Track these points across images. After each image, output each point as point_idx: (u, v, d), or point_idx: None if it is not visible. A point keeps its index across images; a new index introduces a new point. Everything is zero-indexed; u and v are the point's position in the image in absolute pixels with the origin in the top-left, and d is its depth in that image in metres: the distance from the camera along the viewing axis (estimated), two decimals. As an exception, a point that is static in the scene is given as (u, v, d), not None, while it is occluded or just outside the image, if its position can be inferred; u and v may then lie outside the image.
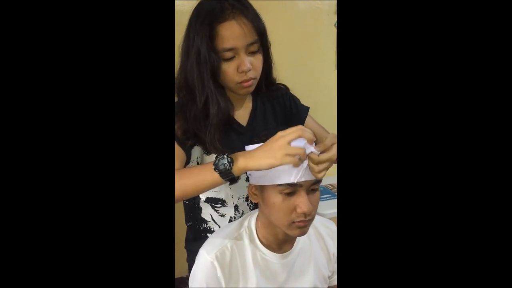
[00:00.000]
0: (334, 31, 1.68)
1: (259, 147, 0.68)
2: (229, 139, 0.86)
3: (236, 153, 0.69)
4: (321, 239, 0.88)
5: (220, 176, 0.68)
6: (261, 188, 0.75)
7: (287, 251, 0.82)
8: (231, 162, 0.67)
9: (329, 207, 1.51)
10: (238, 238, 0.81)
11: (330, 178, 1.72)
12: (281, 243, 0.81)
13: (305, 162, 0.70)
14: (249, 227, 0.83)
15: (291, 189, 0.71)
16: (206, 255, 0.78)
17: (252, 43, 0.79)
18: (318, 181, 0.74)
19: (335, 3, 1.65)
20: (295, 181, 0.70)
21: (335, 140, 0.69)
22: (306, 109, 1.03)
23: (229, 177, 0.69)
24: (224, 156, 0.68)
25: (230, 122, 0.87)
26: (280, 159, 0.64)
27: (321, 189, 1.69)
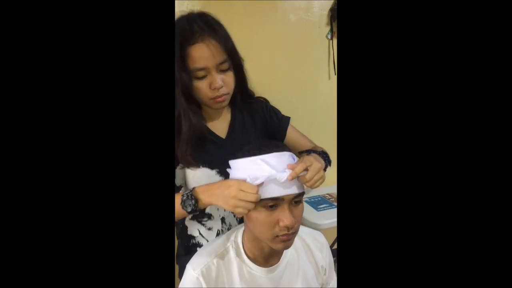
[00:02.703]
0: (326, 42, 1.70)
1: (218, 184, 0.77)
2: (207, 152, 0.89)
3: (198, 189, 0.79)
4: (309, 251, 0.88)
5: (189, 213, 0.80)
6: None
7: (274, 264, 0.82)
8: (196, 202, 0.78)
9: (327, 217, 1.51)
10: (224, 253, 0.82)
11: (328, 187, 1.72)
12: (267, 257, 0.81)
13: (284, 176, 0.71)
14: (235, 241, 0.83)
15: (273, 203, 0.72)
16: (191, 271, 0.79)
17: (222, 62, 0.83)
18: (301, 193, 0.75)
19: (325, 15, 1.66)
20: (276, 195, 0.71)
21: (306, 165, 0.74)
22: (287, 119, 1.05)
23: (197, 212, 0.82)
24: (189, 196, 0.78)
25: (206, 136, 0.91)
26: (231, 207, 0.73)
27: (319, 199, 1.69)
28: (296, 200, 0.74)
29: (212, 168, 0.91)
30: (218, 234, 0.96)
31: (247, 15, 1.55)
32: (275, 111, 1.04)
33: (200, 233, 0.97)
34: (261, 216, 0.73)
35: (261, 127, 1.01)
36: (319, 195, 1.70)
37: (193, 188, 0.79)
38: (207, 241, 0.97)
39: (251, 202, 0.70)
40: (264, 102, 1.04)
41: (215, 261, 0.80)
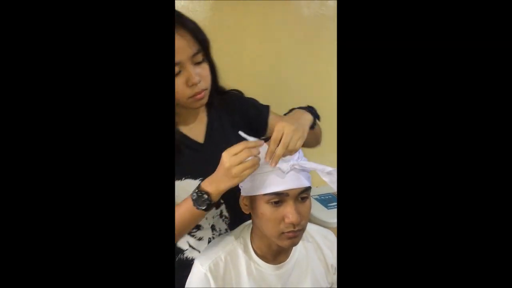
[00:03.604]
0: (340, 37, 1.67)
1: (217, 169, 0.71)
2: (185, 158, 0.83)
3: (204, 184, 0.73)
4: (319, 249, 0.87)
5: (206, 210, 0.73)
6: (251, 199, 0.75)
7: (282, 262, 0.81)
8: (208, 196, 0.72)
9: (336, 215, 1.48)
10: (232, 249, 0.81)
11: (339, 185, 1.70)
12: (275, 254, 0.80)
13: (287, 168, 0.70)
14: (243, 237, 0.82)
15: (278, 198, 0.71)
16: (199, 266, 0.78)
17: (196, 53, 0.77)
18: (307, 189, 0.73)
19: (340, 8, 1.63)
20: (280, 190, 0.70)
21: (282, 131, 0.70)
22: (267, 107, 0.98)
23: (213, 207, 0.74)
24: (200, 194, 0.72)
25: (182, 141, 0.85)
26: (237, 179, 0.69)
27: (329, 196, 1.67)
28: (302, 196, 0.73)
29: (195, 178, 0.83)
30: (209, 242, 0.89)
31: (260, 8, 1.53)
32: (252, 102, 0.96)
33: (190, 245, 0.90)
34: (266, 212, 0.72)
35: (240, 123, 0.92)
36: (329, 193, 1.68)
37: (199, 186, 0.74)
38: (199, 252, 0.89)
39: (254, 160, 0.68)
40: (238, 94, 0.96)
41: (223, 257, 0.79)
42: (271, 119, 0.96)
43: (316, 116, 0.88)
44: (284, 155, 0.70)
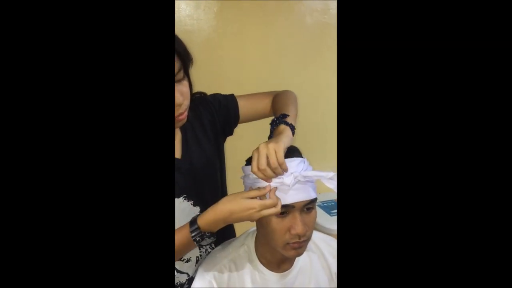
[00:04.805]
0: (342, 45, 1.68)
1: (231, 209, 0.70)
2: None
3: (203, 223, 0.71)
4: (322, 257, 0.87)
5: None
6: None
7: (286, 270, 0.81)
8: (211, 234, 0.72)
9: (340, 222, 1.48)
10: (237, 256, 0.81)
11: (342, 192, 1.70)
12: (279, 262, 0.80)
13: (291, 181, 0.70)
14: (248, 245, 0.83)
15: (283, 210, 0.71)
16: (204, 274, 0.78)
17: (177, 72, 0.70)
18: (313, 200, 0.74)
19: (342, 16, 1.65)
20: (286, 203, 0.70)
21: (257, 155, 0.69)
22: (231, 97, 0.94)
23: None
24: (203, 235, 0.71)
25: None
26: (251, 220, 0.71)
27: (332, 203, 1.67)
28: (308, 207, 0.73)
29: (178, 195, 0.81)
30: (197, 262, 0.88)
31: (263, 16, 1.55)
32: (216, 99, 0.92)
33: (177, 270, 0.86)
34: (271, 223, 0.72)
35: (212, 129, 0.90)
36: (332, 200, 1.68)
37: (197, 225, 0.71)
38: (187, 274, 0.87)
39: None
40: (200, 98, 0.91)
41: (227, 264, 0.79)
42: (241, 106, 0.94)
43: (291, 127, 0.83)
44: (275, 170, 0.69)
